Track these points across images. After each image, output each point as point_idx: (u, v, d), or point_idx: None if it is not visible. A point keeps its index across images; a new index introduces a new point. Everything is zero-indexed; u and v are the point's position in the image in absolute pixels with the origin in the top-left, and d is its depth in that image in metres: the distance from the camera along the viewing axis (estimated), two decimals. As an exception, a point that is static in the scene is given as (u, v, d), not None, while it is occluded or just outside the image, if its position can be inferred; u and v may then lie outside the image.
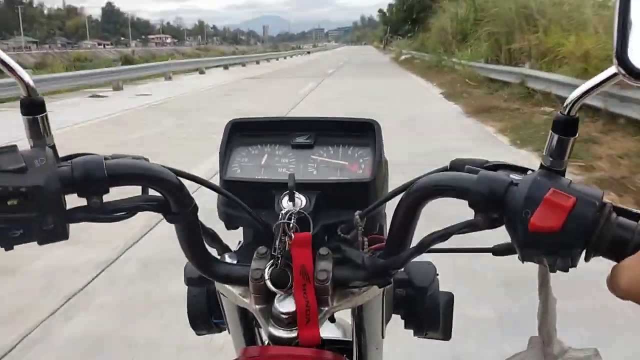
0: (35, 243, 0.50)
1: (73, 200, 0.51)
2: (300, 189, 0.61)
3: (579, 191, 0.45)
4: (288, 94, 12.68)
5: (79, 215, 0.51)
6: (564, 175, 0.49)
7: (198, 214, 0.58)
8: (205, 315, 0.77)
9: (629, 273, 0.43)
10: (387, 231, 0.59)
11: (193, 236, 0.59)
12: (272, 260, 0.58)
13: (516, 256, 0.50)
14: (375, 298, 0.65)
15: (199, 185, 0.59)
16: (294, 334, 0.57)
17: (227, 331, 0.77)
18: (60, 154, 0.53)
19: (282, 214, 0.59)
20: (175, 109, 10.61)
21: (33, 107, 0.52)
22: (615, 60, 0.43)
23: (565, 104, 0.48)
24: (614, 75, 0.44)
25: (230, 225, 0.66)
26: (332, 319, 0.67)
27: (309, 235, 0.58)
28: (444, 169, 0.57)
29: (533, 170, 0.51)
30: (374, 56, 46.21)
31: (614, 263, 0.45)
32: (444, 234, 0.52)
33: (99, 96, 13.08)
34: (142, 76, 18.15)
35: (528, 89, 9.76)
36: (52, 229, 0.49)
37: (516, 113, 8.38)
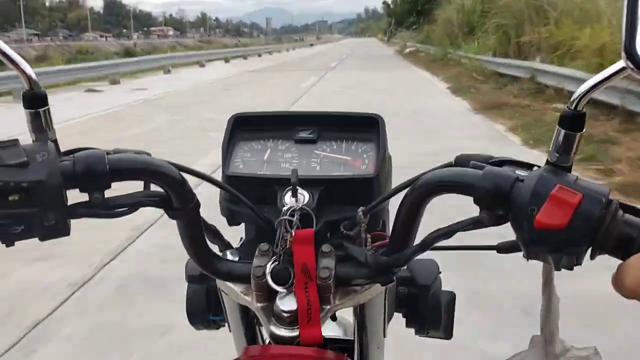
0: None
1: (75, 196, 0.51)
2: (303, 184, 0.60)
3: (586, 187, 0.45)
4: (290, 88, 12.31)
5: (80, 210, 0.50)
6: (570, 171, 0.48)
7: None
8: (203, 312, 0.76)
9: (634, 271, 0.42)
10: (391, 228, 0.58)
11: (195, 232, 0.58)
12: (274, 257, 0.58)
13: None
14: (378, 296, 0.65)
15: (200, 180, 0.58)
16: (295, 333, 0.56)
17: (227, 328, 0.76)
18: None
19: (284, 210, 0.58)
20: (171, 103, 10.27)
21: (35, 101, 0.51)
22: (623, 54, 0.42)
23: (572, 99, 0.47)
24: (623, 69, 0.44)
25: (233, 221, 0.65)
26: (333, 317, 0.64)
27: (312, 232, 0.57)
28: (449, 165, 0.55)
29: (539, 166, 0.50)
30: (377, 49, 45.70)
31: (620, 261, 0.44)
32: (448, 232, 0.51)
33: (94, 90, 12.69)
34: (141, 69, 17.75)
35: (539, 84, 9.38)
36: (54, 225, 0.48)
37: (527, 110, 7.99)
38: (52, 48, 45.54)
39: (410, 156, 4.56)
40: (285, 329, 0.57)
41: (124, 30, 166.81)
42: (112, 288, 2.80)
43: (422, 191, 0.52)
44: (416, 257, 0.55)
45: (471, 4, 18.15)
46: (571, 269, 0.46)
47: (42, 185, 0.46)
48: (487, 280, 2.76)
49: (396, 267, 0.57)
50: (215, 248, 0.64)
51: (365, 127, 0.67)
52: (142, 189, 0.54)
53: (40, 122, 0.52)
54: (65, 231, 0.50)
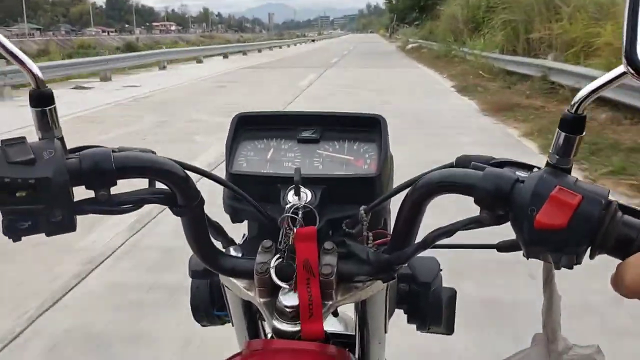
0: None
1: (81, 193, 0.51)
2: (305, 183, 0.61)
3: (585, 189, 0.46)
4: (287, 87, 11.70)
5: (86, 207, 0.51)
6: (570, 173, 0.49)
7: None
8: (207, 307, 0.77)
9: (633, 271, 0.43)
10: (392, 226, 0.58)
11: (199, 229, 0.59)
12: (277, 254, 0.59)
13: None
14: (379, 293, 0.65)
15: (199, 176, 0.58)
16: (297, 328, 0.57)
17: (230, 324, 0.76)
18: None
19: (287, 207, 0.59)
20: (161, 102, 9.66)
21: (42, 99, 0.52)
22: (624, 60, 0.42)
23: (573, 102, 0.48)
24: (623, 74, 0.44)
25: (236, 218, 0.66)
26: (335, 313, 0.65)
27: (314, 230, 0.58)
28: (450, 165, 0.56)
29: (539, 168, 0.51)
30: (379, 45, 44.98)
31: (619, 261, 0.45)
32: (449, 230, 0.52)
33: (82, 87, 12.08)
34: (135, 65, 17.10)
35: (552, 84, 8.77)
36: (60, 221, 0.49)
37: (541, 112, 7.37)
38: (53, 43, 45.09)
39: (416, 166, 3.96)
40: (287, 324, 0.57)
41: (126, 25, 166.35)
42: (45, 347, 2.22)
43: (423, 191, 0.53)
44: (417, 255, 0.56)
45: (477, -1, 17.51)
46: (571, 268, 0.46)
47: (48, 182, 0.47)
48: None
49: (397, 264, 0.57)
50: (218, 244, 0.65)
51: (367, 128, 0.67)
52: (146, 187, 0.55)
53: (47, 120, 0.52)
54: (71, 227, 0.51)
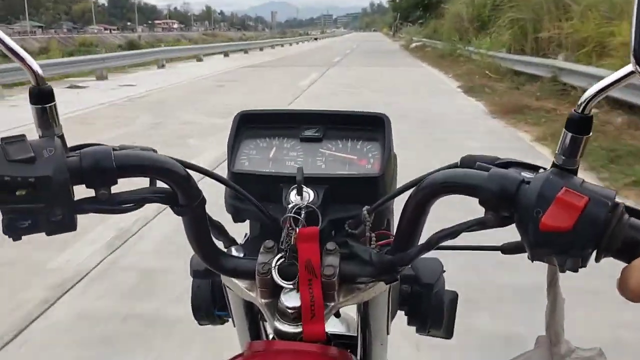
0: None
1: (82, 192, 0.51)
2: (308, 182, 0.61)
3: (592, 191, 0.45)
4: (288, 86, 11.36)
5: (87, 206, 0.51)
6: (576, 174, 0.48)
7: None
8: (208, 307, 0.76)
9: (639, 275, 0.42)
10: (395, 227, 0.58)
11: (200, 229, 0.59)
12: (279, 254, 0.58)
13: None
14: (382, 294, 0.65)
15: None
16: (299, 329, 0.57)
17: (231, 324, 0.76)
18: None
19: (290, 207, 0.59)
20: (157, 103, 9.34)
21: (42, 97, 0.52)
22: (632, 59, 0.42)
23: (579, 102, 0.48)
24: (631, 73, 0.44)
25: (238, 218, 0.66)
26: (337, 314, 0.64)
27: (316, 230, 0.58)
28: (454, 166, 0.56)
29: (545, 169, 0.50)
30: (383, 43, 44.56)
31: (625, 265, 0.44)
32: (453, 232, 0.51)
33: (77, 87, 11.74)
34: (134, 64, 16.75)
35: (563, 85, 8.42)
36: (60, 220, 0.49)
37: (553, 115, 7.00)
38: (55, 41, 44.42)
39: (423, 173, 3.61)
40: (289, 325, 0.57)
41: (129, 23, 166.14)
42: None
43: (427, 192, 0.52)
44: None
45: (483, -4, 17.14)
46: (576, 271, 0.46)
47: (48, 181, 0.47)
48: None
49: (400, 266, 0.57)
50: (220, 244, 0.64)
51: (370, 126, 0.66)
52: (147, 186, 0.54)
53: (47, 118, 0.52)
54: (71, 226, 0.50)
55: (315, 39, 65.21)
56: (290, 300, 0.57)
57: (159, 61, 17.69)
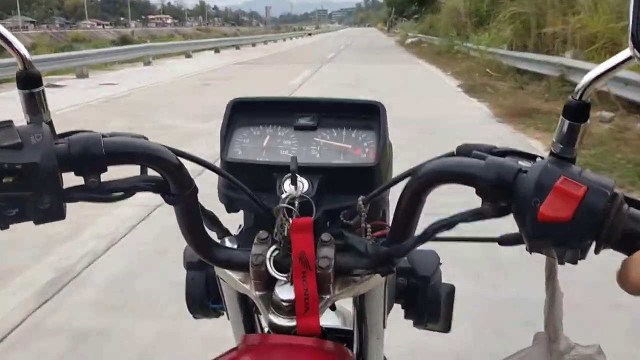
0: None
1: (71, 181, 0.50)
2: (302, 172, 0.60)
3: (591, 180, 0.44)
4: (277, 85, 10.72)
5: (76, 194, 0.50)
6: (574, 163, 0.47)
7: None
8: (203, 300, 0.76)
9: (639, 267, 0.41)
10: (391, 218, 0.57)
11: (193, 219, 0.58)
12: (273, 246, 0.58)
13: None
14: (378, 287, 0.64)
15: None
16: (293, 323, 0.56)
17: (225, 316, 0.75)
18: None
19: (283, 197, 0.58)
20: (136, 104, 8.69)
21: (30, 81, 0.51)
22: (630, 43, 0.41)
23: (576, 89, 0.47)
24: (629, 58, 0.43)
25: (231, 208, 0.65)
26: (332, 307, 0.63)
27: (310, 220, 0.57)
28: (450, 154, 0.54)
29: (542, 158, 0.49)
30: (378, 39, 43.80)
31: (625, 256, 0.44)
32: (450, 223, 0.50)
33: (55, 86, 11.03)
34: (118, 61, 16.02)
35: (572, 85, 7.82)
36: (48, 209, 0.48)
37: (565, 119, 6.41)
38: (47, 36, 43.78)
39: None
40: (284, 318, 0.56)
41: (122, 19, 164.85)
42: None
43: (423, 181, 0.52)
44: (417, 248, 0.55)
45: (482, -10, 16.50)
46: (575, 263, 0.45)
47: (36, 168, 0.46)
48: None
49: (396, 257, 0.56)
50: (213, 235, 0.63)
51: (366, 115, 0.66)
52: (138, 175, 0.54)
53: (35, 103, 0.51)
54: (60, 215, 0.49)
55: (309, 34, 64.42)
56: (285, 292, 0.56)
57: (145, 58, 16.96)
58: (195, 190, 0.56)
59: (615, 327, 2.24)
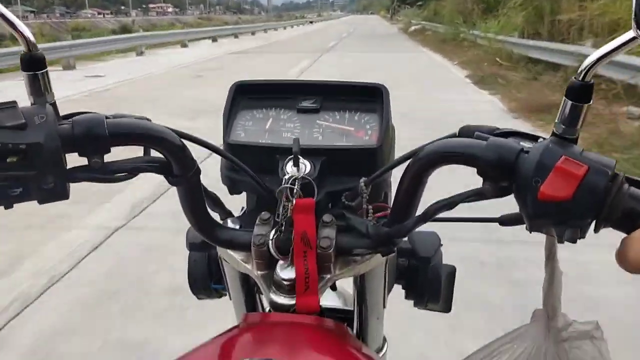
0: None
1: (75, 162, 0.50)
2: (305, 154, 0.60)
3: (592, 160, 0.44)
4: (274, 76, 9.98)
5: (79, 174, 0.50)
6: (576, 144, 0.47)
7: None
8: (205, 280, 0.76)
9: (638, 246, 0.42)
10: (392, 200, 0.57)
11: (196, 200, 0.59)
12: (275, 227, 0.58)
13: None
14: (378, 267, 0.65)
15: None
16: (294, 301, 0.56)
17: (227, 296, 0.76)
18: None
19: (286, 179, 0.58)
20: (120, 98, 8.05)
21: (33, 63, 0.51)
22: (633, 24, 0.41)
23: (579, 70, 0.47)
24: (633, 39, 0.43)
25: (234, 189, 0.65)
26: (333, 288, 0.65)
27: (312, 201, 0.57)
28: (453, 136, 0.54)
29: (544, 138, 0.49)
30: (380, 26, 42.93)
31: (624, 235, 0.44)
32: (450, 203, 0.50)
33: (37, 78, 10.40)
34: (109, 51, 15.29)
35: (593, 76, 7.15)
36: (52, 188, 0.48)
37: (589, 117, 5.72)
38: (47, 26, 43.29)
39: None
40: (284, 296, 0.57)
41: (122, 7, 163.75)
42: None
43: (425, 162, 0.52)
44: (418, 230, 0.55)
45: (490, -25, 15.72)
46: (575, 242, 0.45)
47: (39, 148, 0.46)
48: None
49: (397, 237, 0.57)
50: (216, 217, 0.64)
51: (368, 97, 0.65)
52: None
53: (39, 85, 0.51)
54: (64, 195, 0.49)
55: (311, 22, 63.32)
56: (286, 272, 0.57)
57: (138, 48, 16.20)
58: (198, 171, 0.56)
59: None
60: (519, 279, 2.49)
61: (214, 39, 24.02)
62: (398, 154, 0.59)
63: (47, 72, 0.52)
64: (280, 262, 0.57)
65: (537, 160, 0.45)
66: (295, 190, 0.57)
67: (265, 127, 0.65)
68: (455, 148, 0.50)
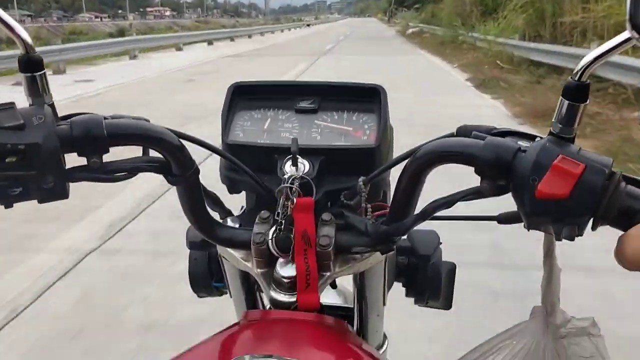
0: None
1: (75, 162, 0.50)
2: (303, 154, 0.60)
3: (589, 158, 0.45)
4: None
5: (78, 174, 0.51)
6: (573, 142, 0.48)
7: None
8: (206, 279, 0.77)
9: (635, 243, 0.43)
10: (391, 199, 0.58)
11: (195, 199, 0.59)
12: (275, 225, 0.58)
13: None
14: (378, 265, 0.65)
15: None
16: (294, 299, 0.57)
17: (228, 295, 0.76)
18: None
19: (285, 178, 0.59)
20: (107, 104, 7.75)
21: (31, 65, 0.51)
22: (628, 25, 0.42)
23: (576, 70, 0.47)
24: (628, 39, 0.43)
25: (233, 189, 0.66)
26: (333, 285, 0.66)
27: (312, 200, 0.58)
28: (450, 135, 0.55)
29: (542, 137, 0.49)
30: (378, 29, 42.66)
31: (622, 232, 0.44)
32: (449, 201, 0.51)
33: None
34: (101, 55, 14.95)
35: (599, 80, 6.90)
36: (52, 188, 0.49)
37: (600, 121, 5.44)
38: (44, 29, 43.24)
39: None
40: (284, 294, 0.57)
41: (120, 11, 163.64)
42: None
43: (423, 161, 0.52)
44: (417, 228, 0.56)
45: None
46: (572, 239, 0.46)
47: (38, 148, 0.47)
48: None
49: (396, 235, 0.57)
50: (216, 216, 0.64)
51: (366, 98, 0.66)
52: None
53: (37, 86, 0.51)
54: (63, 194, 0.50)
55: (308, 25, 63.03)
56: (286, 269, 0.58)
57: (131, 52, 15.87)
58: (197, 170, 0.56)
59: None
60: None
61: (210, 42, 23.68)
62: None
63: (45, 73, 0.52)
64: (280, 260, 0.58)
65: (535, 159, 0.45)
66: (294, 190, 0.57)
67: (264, 128, 0.66)
68: (453, 147, 0.51)
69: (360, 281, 0.69)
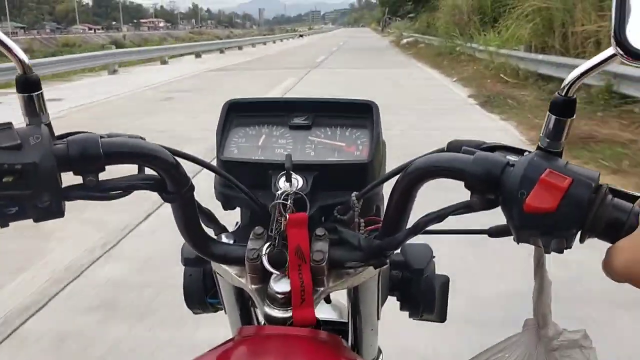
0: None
1: (70, 181, 0.51)
2: (297, 169, 0.61)
3: (575, 172, 0.46)
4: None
5: (74, 193, 0.51)
6: (560, 157, 0.49)
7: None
8: (201, 295, 0.77)
9: (623, 254, 0.43)
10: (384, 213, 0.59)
11: (190, 216, 0.59)
12: (269, 241, 0.59)
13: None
14: (371, 279, 0.66)
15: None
16: (289, 314, 0.57)
17: (223, 311, 0.77)
18: None
19: (278, 194, 0.59)
20: (69, 128, 6.84)
21: (28, 85, 0.52)
22: (613, 41, 0.43)
23: (563, 85, 0.48)
24: (613, 55, 0.44)
25: (227, 205, 0.66)
26: (327, 300, 0.69)
27: (305, 216, 0.58)
28: (441, 150, 0.56)
29: (530, 152, 0.50)
30: (372, 39, 42.02)
31: (609, 245, 0.45)
32: (440, 215, 0.52)
33: (-16, 102, 9.20)
34: (77, 70, 14.05)
35: (623, 98, 6.06)
36: (48, 207, 0.49)
37: (636, 151, 4.55)
38: (37, 42, 42.81)
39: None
40: (279, 310, 0.58)
41: (114, 23, 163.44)
42: None
43: (414, 176, 0.53)
44: (410, 242, 0.57)
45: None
46: (561, 252, 0.46)
47: (35, 168, 0.47)
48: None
49: (389, 250, 0.58)
50: (210, 232, 0.65)
51: (359, 114, 0.67)
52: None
53: (34, 106, 0.52)
54: (59, 213, 0.50)
55: (301, 35, 62.37)
56: (280, 285, 0.57)
57: (110, 66, 14.94)
58: (192, 188, 0.57)
59: None
60: None
61: (198, 55, 22.80)
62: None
63: (42, 93, 0.52)
64: (274, 275, 0.58)
65: (522, 173, 0.46)
66: (288, 206, 0.58)
67: (258, 144, 0.66)
68: (443, 163, 0.52)
69: (354, 296, 0.69)
